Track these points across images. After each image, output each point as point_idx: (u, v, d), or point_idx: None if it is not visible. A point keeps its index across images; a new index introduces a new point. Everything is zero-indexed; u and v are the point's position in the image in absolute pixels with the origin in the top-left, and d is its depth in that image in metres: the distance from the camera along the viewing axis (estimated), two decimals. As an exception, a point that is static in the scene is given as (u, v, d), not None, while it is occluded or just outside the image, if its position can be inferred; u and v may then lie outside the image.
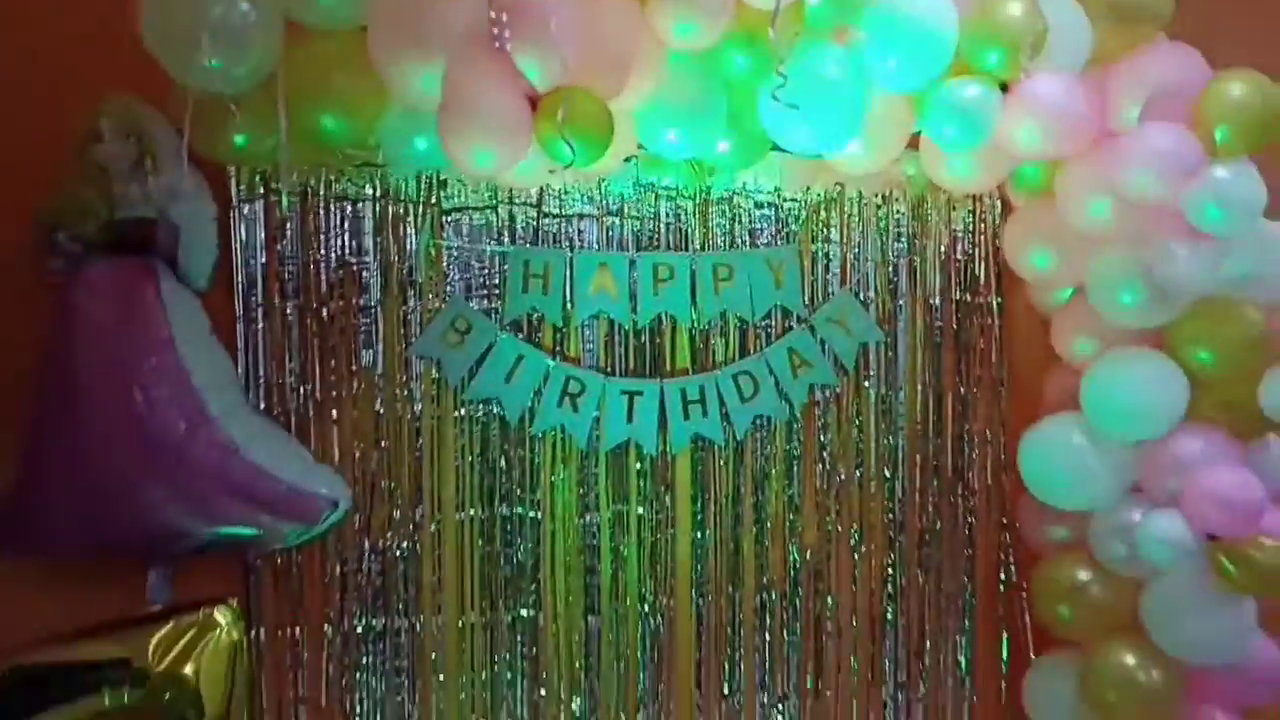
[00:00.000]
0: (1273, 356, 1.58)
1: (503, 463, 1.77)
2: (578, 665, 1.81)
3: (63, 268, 1.44)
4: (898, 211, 1.91)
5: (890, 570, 1.94)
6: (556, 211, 1.78)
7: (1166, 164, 1.48)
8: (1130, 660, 1.69)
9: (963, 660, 1.97)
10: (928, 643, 1.96)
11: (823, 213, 1.88)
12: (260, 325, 1.66)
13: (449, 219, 1.73)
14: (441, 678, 1.74)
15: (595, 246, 1.80)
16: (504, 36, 1.24)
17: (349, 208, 1.68)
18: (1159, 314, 1.64)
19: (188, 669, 1.45)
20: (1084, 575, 1.75)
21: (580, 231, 1.80)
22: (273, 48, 1.33)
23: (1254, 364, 1.58)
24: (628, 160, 1.66)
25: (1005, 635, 1.97)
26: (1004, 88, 1.47)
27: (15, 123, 1.49)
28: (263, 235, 1.65)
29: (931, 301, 1.94)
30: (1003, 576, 1.97)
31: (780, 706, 1.90)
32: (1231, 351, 1.61)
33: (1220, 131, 1.46)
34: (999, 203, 1.92)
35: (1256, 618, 1.64)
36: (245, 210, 1.63)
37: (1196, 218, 1.50)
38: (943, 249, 1.93)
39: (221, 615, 1.49)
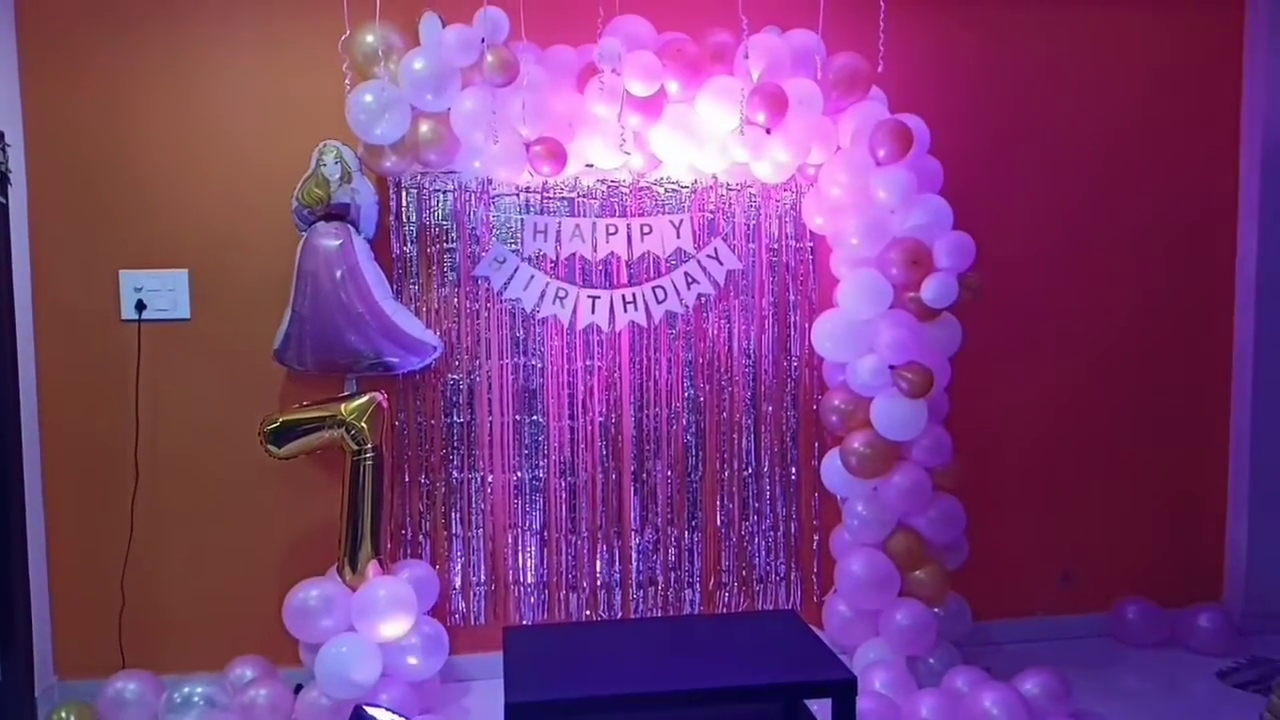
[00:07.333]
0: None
1: (521, 333, 3.20)
2: (566, 447, 3.25)
3: (304, 226, 2.95)
4: (750, 191, 3.28)
5: (747, 404, 3.32)
6: (552, 195, 3.19)
7: (858, 169, 2.84)
8: (859, 441, 3.03)
9: (791, 454, 3.34)
10: (774, 444, 3.33)
11: (708, 194, 3.26)
12: (397, 255, 3.12)
13: (494, 200, 3.18)
14: (488, 448, 3.21)
15: (573, 214, 3.18)
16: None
17: (443, 195, 3.13)
18: (872, 249, 2.98)
19: (363, 421, 2.92)
20: (842, 399, 3.11)
21: (565, 205, 3.18)
22: (404, 123, 2.80)
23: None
24: (588, 166, 3.07)
25: (815, 442, 3.35)
26: (768, 131, 2.83)
27: (283, 152, 2.97)
28: (398, 210, 3.11)
29: (772, 245, 3.31)
30: (813, 408, 3.34)
31: (676, 476, 3.30)
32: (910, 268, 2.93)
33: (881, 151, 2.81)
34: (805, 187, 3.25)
35: (925, 412, 2.96)
36: (392, 198, 3.11)
37: (878, 197, 2.86)
38: (776, 213, 3.29)
39: (380, 398, 2.96)
